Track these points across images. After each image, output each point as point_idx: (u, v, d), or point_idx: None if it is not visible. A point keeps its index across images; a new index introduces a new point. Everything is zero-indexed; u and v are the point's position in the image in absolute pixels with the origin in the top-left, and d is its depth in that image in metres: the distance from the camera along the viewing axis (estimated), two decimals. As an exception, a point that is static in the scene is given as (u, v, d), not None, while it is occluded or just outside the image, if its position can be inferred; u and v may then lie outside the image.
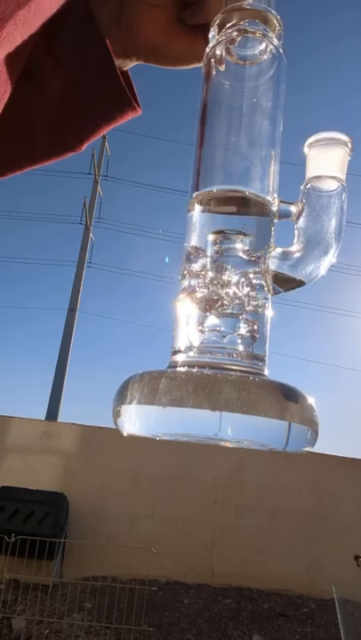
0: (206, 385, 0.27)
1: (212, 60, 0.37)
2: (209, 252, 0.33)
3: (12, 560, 3.83)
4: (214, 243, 0.33)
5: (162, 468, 4.79)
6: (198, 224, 0.34)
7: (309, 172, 0.35)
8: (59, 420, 8.74)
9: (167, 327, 0.34)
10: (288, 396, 0.28)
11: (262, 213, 0.34)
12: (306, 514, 4.82)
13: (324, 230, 0.34)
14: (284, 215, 0.35)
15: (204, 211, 0.34)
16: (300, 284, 0.34)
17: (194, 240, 0.34)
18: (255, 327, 0.32)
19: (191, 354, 0.31)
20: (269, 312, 0.33)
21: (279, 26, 0.37)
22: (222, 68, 0.37)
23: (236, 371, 0.30)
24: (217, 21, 0.37)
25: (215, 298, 0.32)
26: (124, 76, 0.44)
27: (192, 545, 4.61)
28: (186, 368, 0.30)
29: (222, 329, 0.31)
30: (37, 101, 0.41)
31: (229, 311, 0.31)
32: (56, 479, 4.65)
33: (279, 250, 0.34)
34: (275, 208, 0.35)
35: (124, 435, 0.30)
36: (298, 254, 0.34)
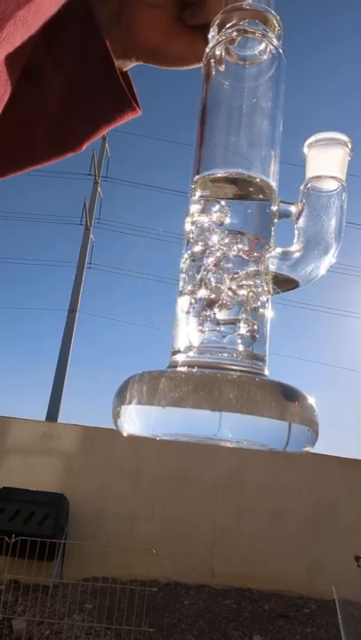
0: (206, 385, 0.27)
1: (212, 60, 0.37)
2: (209, 252, 0.33)
3: (12, 561, 3.83)
4: (214, 242, 0.33)
5: (162, 469, 4.79)
6: (198, 220, 0.34)
7: (309, 172, 0.35)
8: (59, 420, 8.74)
9: (167, 327, 0.34)
10: (288, 396, 0.28)
11: (263, 198, 0.34)
12: (306, 514, 4.81)
13: (324, 230, 0.34)
14: (284, 215, 0.35)
15: (203, 197, 0.34)
16: (297, 285, 0.35)
17: (193, 239, 0.34)
18: (255, 327, 0.32)
19: (191, 354, 0.31)
20: (269, 312, 0.33)
21: (279, 26, 0.37)
22: (222, 68, 0.37)
23: (236, 371, 0.30)
24: (217, 21, 0.37)
25: (215, 298, 0.32)
26: (124, 76, 0.44)
27: (192, 546, 4.61)
28: (186, 368, 0.30)
29: (222, 329, 0.31)
30: (37, 101, 0.41)
31: (229, 311, 0.31)
32: (56, 480, 4.65)
33: (279, 250, 0.34)
34: (275, 207, 0.35)
35: (124, 435, 0.30)
36: (298, 254, 0.34)
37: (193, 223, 0.34)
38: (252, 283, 0.32)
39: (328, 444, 5.46)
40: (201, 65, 0.39)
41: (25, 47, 0.31)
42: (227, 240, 0.33)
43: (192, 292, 0.32)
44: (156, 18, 0.42)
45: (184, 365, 0.31)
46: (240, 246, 0.33)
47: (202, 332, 0.31)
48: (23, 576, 3.79)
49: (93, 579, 3.97)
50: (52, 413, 10.08)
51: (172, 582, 4.39)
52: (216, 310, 0.31)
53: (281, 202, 0.35)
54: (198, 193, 0.35)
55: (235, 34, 0.36)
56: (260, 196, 0.34)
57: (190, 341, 0.31)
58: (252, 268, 0.33)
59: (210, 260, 0.33)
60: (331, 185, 0.35)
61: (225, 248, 0.32)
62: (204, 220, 0.34)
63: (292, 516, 4.78)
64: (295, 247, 0.34)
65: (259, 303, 0.32)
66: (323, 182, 0.35)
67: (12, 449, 4.82)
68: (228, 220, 0.33)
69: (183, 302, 0.33)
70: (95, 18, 0.39)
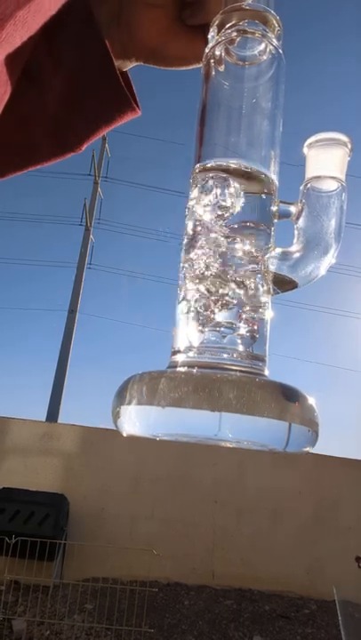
0: (206, 385, 0.27)
1: (212, 60, 0.37)
2: (209, 252, 0.33)
3: (12, 561, 3.82)
4: (214, 242, 0.33)
5: (162, 470, 4.79)
6: (198, 220, 0.34)
7: (309, 173, 0.35)
8: (59, 420, 8.74)
9: (167, 328, 0.34)
10: (288, 396, 0.28)
11: (263, 190, 0.34)
12: (306, 515, 4.81)
13: (324, 230, 0.34)
14: (284, 215, 0.35)
15: (203, 192, 0.34)
16: (296, 285, 0.35)
17: (193, 240, 0.34)
18: (255, 327, 0.32)
19: (191, 354, 0.31)
20: (269, 312, 0.33)
21: (278, 26, 0.37)
22: (222, 68, 0.37)
23: (236, 371, 0.30)
24: (216, 22, 0.37)
25: (215, 298, 0.32)
26: (124, 76, 0.44)
27: (193, 546, 4.60)
28: (186, 368, 0.30)
29: (222, 329, 0.31)
30: (37, 101, 0.41)
31: (229, 311, 0.31)
32: (56, 480, 4.65)
33: (279, 250, 0.34)
34: (275, 207, 0.35)
35: (124, 435, 0.30)
36: (298, 254, 0.34)
37: (193, 223, 0.34)
38: (252, 283, 0.32)
39: (328, 445, 5.46)
40: (201, 65, 0.39)
41: (25, 47, 0.31)
42: (227, 240, 0.33)
43: (192, 293, 0.32)
44: (156, 18, 0.42)
45: (184, 366, 0.31)
46: (240, 246, 0.33)
47: (202, 332, 0.31)
48: (23, 576, 3.78)
49: (94, 579, 3.97)
50: (53, 414, 10.07)
51: (172, 583, 4.39)
52: (216, 310, 0.31)
53: (281, 202, 0.35)
54: (198, 191, 0.35)
55: (234, 34, 0.36)
56: (264, 190, 0.34)
57: (190, 341, 0.31)
58: (252, 269, 0.33)
59: (210, 261, 0.33)
60: (330, 185, 0.35)
61: (225, 248, 0.32)
62: (205, 219, 0.34)
63: (292, 517, 4.78)
64: (295, 247, 0.34)
65: (259, 303, 0.32)
66: (322, 182, 0.35)
67: (12, 449, 4.82)
68: (228, 215, 0.33)
69: (183, 302, 0.33)
70: (95, 18, 0.39)
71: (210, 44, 0.37)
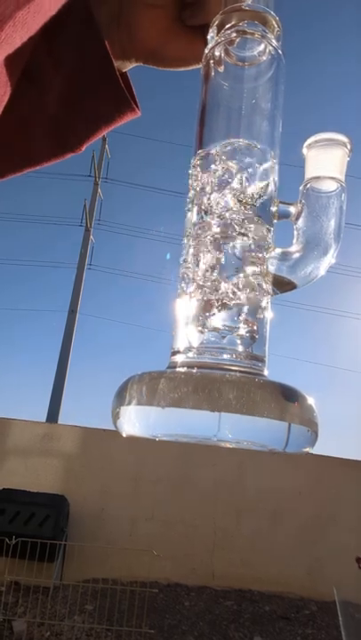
0: (206, 385, 0.27)
1: (211, 61, 0.37)
2: (209, 253, 0.33)
3: (12, 562, 3.82)
4: (214, 242, 0.33)
5: (162, 471, 4.79)
6: (198, 220, 0.34)
7: (308, 173, 0.35)
8: (59, 421, 8.73)
9: (166, 328, 0.34)
10: (288, 396, 0.28)
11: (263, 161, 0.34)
12: (307, 515, 4.81)
13: (324, 231, 0.34)
14: (284, 216, 0.35)
15: (202, 191, 0.34)
16: (295, 286, 0.35)
17: (194, 240, 0.34)
18: (255, 328, 0.32)
19: (190, 354, 0.31)
20: (269, 312, 0.33)
21: (278, 27, 0.37)
22: (221, 69, 0.37)
23: (235, 371, 0.30)
24: (216, 22, 0.37)
25: (215, 298, 0.32)
26: (124, 77, 0.44)
27: (193, 547, 4.60)
28: (185, 368, 0.30)
29: (222, 329, 0.31)
30: (37, 102, 0.41)
31: (229, 312, 0.31)
32: (57, 481, 4.65)
33: (278, 250, 0.34)
34: (275, 207, 0.35)
35: (124, 436, 0.30)
36: (297, 255, 0.34)
37: (192, 224, 0.34)
38: (251, 283, 0.32)
39: (328, 445, 5.46)
40: (200, 66, 0.39)
41: (25, 48, 0.31)
42: (227, 241, 0.33)
43: (192, 293, 0.32)
44: (156, 18, 0.42)
45: (184, 366, 0.31)
46: (240, 247, 0.33)
47: (201, 332, 0.31)
48: (23, 577, 3.78)
49: (94, 580, 3.97)
50: (53, 414, 10.07)
51: (172, 583, 4.38)
52: (216, 311, 0.31)
53: (280, 202, 0.35)
54: (197, 190, 0.35)
55: (234, 35, 0.36)
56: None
57: (190, 342, 0.31)
58: (251, 269, 0.33)
59: (210, 261, 0.33)
60: (330, 186, 0.35)
61: (225, 249, 0.32)
62: (204, 218, 0.34)
63: (292, 517, 4.78)
64: (295, 248, 0.34)
65: (258, 304, 0.32)
66: (322, 183, 0.35)
67: (12, 450, 4.82)
68: (227, 214, 0.33)
69: (183, 303, 0.33)
70: (95, 18, 0.39)
71: (209, 45, 0.37)
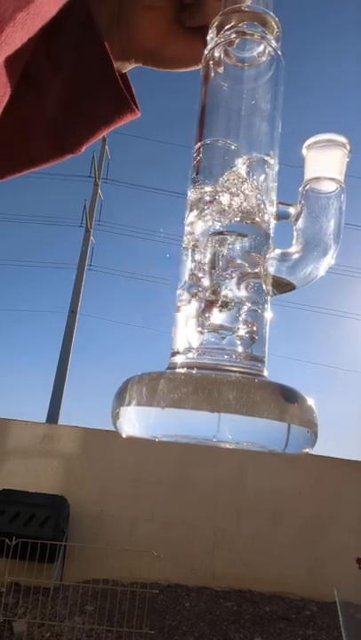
0: (205, 386, 0.27)
1: (211, 62, 0.37)
2: (208, 254, 0.33)
3: (12, 563, 3.82)
4: (214, 243, 0.33)
5: (162, 471, 4.79)
6: (198, 221, 0.34)
7: (308, 174, 0.35)
8: (59, 422, 8.73)
9: (166, 329, 0.34)
10: (287, 397, 0.28)
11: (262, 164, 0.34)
12: (307, 516, 4.80)
13: (323, 232, 0.34)
14: (283, 216, 0.35)
15: (202, 190, 0.34)
16: (294, 287, 0.35)
17: (193, 241, 0.34)
18: (254, 328, 0.32)
19: (190, 355, 0.31)
20: (268, 313, 0.33)
21: (277, 28, 0.37)
22: (221, 70, 0.37)
23: (235, 372, 0.30)
24: (215, 23, 0.37)
25: (214, 299, 0.32)
26: (123, 78, 0.44)
27: (193, 548, 4.60)
28: (185, 369, 0.30)
29: (221, 330, 0.31)
30: (36, 104, 0.41)
31: (229, 312, 0.31)
32: (57, 482, 4.65)
33: (278, 251, 0.34)
34: (274, 208, 0.35)
35: (123, 436, 0.30)
36: (297, 255, 0.34)
37: (192, 224, 0.34)
38: (251, 284, 0.32)
39: (328, 445, 5.46)
40: (200, 67, 0.39)
41: (24, 49, 0.31)
42: (226, 241, 0.33)
43: (191, 294, 0.32)
44: (155, 19, 0.42)
45: (183, 367, 0.31)
46: (239, 248, 0.33)
47: (201, 333, 0.31)
48: (24, 578, 3.78)
49: (94, 581, 3.97)
50: (53, 415, 10.06)
51: (172, 584, 4.38)
52: (215, 311, 0.31)
53: (280, 203, 0.35)
54: (196, 190, 0.35)
55: (233, 36, 0.36)
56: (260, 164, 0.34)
57: (190, 343, 0.31)
58: (251, 270, 0.33)
59: (209, 261, 0.33)
60: (329, 186, 0.35)
61: (224, 250, 0.33)
62: (205, 219, 0.34)
63: (292, 518, 4.77)
64: (294, 249, 0.34)
65: (258, 304, 0.32)
66: (321, 184, 0.35)
67: (12, 451, 4.82)
68: (227, 216, 0.33)
69: (182, 304, 0.33)
70: (94, 20, 0.39)
71: (209, 46, 0.37)
